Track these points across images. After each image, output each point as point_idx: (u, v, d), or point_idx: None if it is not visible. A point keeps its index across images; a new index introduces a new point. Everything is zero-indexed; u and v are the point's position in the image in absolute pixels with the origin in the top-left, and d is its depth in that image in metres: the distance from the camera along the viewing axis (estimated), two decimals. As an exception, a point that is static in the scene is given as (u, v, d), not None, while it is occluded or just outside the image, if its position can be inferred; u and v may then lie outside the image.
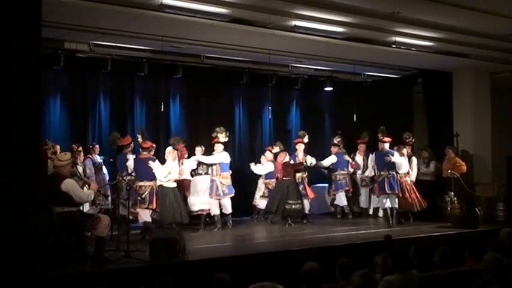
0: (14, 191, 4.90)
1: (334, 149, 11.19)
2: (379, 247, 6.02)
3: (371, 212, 11.34)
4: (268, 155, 10.88)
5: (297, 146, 10.53)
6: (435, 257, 5.09)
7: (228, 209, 9.80)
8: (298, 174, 10.28)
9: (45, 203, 5.93)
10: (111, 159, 9.33)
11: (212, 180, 9.65)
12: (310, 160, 10.50)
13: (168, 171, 8.82)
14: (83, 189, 6.66)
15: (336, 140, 11.35)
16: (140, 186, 8.55)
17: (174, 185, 9.01)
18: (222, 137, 9.80)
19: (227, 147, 10.61)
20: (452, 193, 10.23)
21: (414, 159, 10.80)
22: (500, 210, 10.59)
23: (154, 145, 9.26)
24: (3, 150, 4.90)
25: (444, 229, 9.32)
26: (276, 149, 10.89)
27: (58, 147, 8.70)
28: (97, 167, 9.42)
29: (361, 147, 11.41)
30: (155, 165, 8.68)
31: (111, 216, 7.22)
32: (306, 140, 10.63)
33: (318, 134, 12.81)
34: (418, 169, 10.89)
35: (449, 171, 10.51)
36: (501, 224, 9.56)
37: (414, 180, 10.70)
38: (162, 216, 8.75)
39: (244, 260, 6.74)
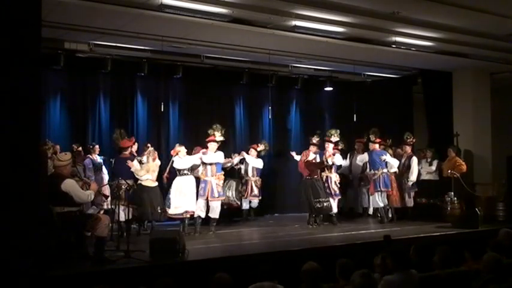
0: (14, 191, 4.90)
1: (313, 149, 10.79)
2: (379, 247, 6.02)
3: (371, 211, 11.34)
4: (253, 152, 10.84)
5: (325, 145, 10.32)
6: (435, 257, 5.09)
7: (216, 212, 9.27)
8: (323, 173, 10.22)
9: (45, 203, 5.93)
10: (111, 159, 9.36)
11: (205, 181, 9.16)
12: (332, 159, 10.16)
13: (146, 170, 9.02)
14: (83, 189, 6.66)
15: (315, 140, 11.00)
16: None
17: (154, 184, 9.13)
18: (218, 136, 9.42)
19: (228, 146, 10.62)
20: (452, 193, 10.23)
21: (414, 159, 10.82)
22: (500, 210, 10.59)
23: (149, 145, 9.46)
24: (3, 150, 4.89)
25: (444, 229, 9.32)
26: (261, 147, 10.99)
27: (58, 147, 8.71)
28: (97, 167, 9.42)
29: (359, 146, 11.38)
30: (134, 164, 8.91)
31: (111, 216, 7.24)
32: (334, 139, 10.40)
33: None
34: (419, 169, 10.93)
35: (449, 171, 10.52)
36: (501, 224, 9.57)
37: (415, 180, 10.76)
38: (141, 213, 8.93)
39: (244, 260, 6.72)
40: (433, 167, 11.06)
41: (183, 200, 9.11)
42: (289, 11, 8.11)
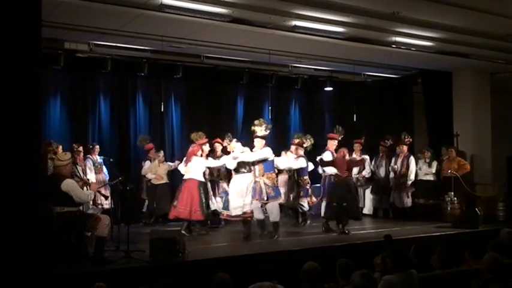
0: (14, 191, 4.90)
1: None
2: (379, 247, 6.02)
3: (370, 211, 11.37)
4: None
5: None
6: (435, 257, 5.09)
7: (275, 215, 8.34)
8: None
9: (45, 203, 5.93)
10: (111, 159, 9.37)
11: (256, 182, 8.26)
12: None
13: (149, 170, 10.07)
14: (83, 189, 6.66)
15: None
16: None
17: (158, 182, 9.98)
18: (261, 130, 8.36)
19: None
20: (452, 193, 10.23)
21: (412, 159, 10.84)
22: (500, 210, 10.60)
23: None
24: (3, 150, 4.90)
25: (444, 229, 9.31)
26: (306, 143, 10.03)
27: (61, 147, 8.71)
28: (97, 167, 9.43)
29: (357, 147, 11.35)
30: (145, 165, 10.06)
31: (111, 216, 7.24)
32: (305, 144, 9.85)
33: (317, 135, 12.78)
34: (417, 169, 10.93)
35: (449, 171, 10.52)
36: (501, 224, 9.56)
37: (413, 179, 10.77)
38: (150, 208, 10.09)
39: (244, 260, 6.73)
40: (433, 169, 10.97)
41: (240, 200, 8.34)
42: (289, 11, 8.11)
